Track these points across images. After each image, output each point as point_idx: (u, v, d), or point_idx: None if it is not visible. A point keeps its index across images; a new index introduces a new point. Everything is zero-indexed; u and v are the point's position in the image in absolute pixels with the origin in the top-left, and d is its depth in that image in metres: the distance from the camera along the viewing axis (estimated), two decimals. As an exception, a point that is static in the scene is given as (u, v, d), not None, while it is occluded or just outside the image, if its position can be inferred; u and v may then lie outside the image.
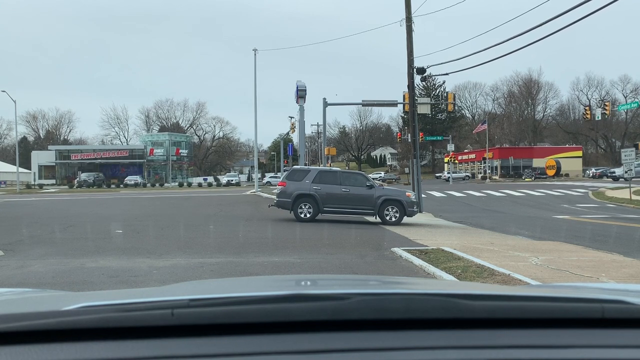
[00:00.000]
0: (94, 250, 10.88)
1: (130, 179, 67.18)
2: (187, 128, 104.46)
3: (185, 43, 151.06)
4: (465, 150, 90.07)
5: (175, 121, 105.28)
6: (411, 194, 18.39)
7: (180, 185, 65.51)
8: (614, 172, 57.29)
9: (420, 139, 38.57)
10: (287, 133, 64.14)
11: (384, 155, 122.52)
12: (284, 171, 34.00)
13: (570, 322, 1.27)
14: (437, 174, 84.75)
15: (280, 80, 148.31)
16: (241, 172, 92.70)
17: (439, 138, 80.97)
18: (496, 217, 21.44)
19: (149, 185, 65.60)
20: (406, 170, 66.00)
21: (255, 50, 39.33)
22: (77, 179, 66.85)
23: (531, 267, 8.86)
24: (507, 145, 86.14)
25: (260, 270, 8.78)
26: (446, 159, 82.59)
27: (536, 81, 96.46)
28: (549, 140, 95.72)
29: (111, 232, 14.52)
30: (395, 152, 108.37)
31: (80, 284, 7.60)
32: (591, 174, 63.01)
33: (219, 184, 66.10)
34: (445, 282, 5.40)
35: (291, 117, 48.42)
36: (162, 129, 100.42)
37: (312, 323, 1.19)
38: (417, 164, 23.29)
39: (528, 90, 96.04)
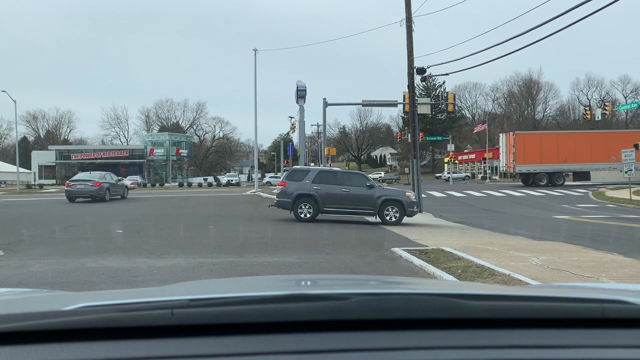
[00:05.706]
0: (94, 250, 10.87)
1: (130, 179, 67.17)
2: (187, 128, 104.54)
3: (185, 43, 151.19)
4: (465, 151, 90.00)
5: (175, 121, 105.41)
6: (411, 194, 18.38)
7: (181, 185, 65.48)
8: None
9: (420, 139, 38.55)
10: (287, 133, 64.24)
11: (384, 156, 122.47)
12: (284, 171, 33.97)
13: (570, 322, 1.27)
14: (437, 174, 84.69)
15: (280, 80, 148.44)
16: (241, 172, 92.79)
17: (439, 138, 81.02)
18: (496, 217, 21.42)
19: (149, 185, 65.61)
20: (406, 170, 65.92)
21: (255, 50, 39.33)
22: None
23: (531, 267, 8.85)
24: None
25: (260, 270, 8.78)
26: (446, 159, 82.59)
27: (536, 81, 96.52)
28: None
29: (111, 232, 14.52)
30: (395, 152, 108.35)
31: (80, 284, 7.59)
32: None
33: (219, 184, 66.14)
34: (445, 282, 5.40)
35: (291, 117, 48.43)
36: (162, 129, 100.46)
37: (312, 323, 1.19)
38: (417, 164, 23.27)
39: (528, 90, 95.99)
